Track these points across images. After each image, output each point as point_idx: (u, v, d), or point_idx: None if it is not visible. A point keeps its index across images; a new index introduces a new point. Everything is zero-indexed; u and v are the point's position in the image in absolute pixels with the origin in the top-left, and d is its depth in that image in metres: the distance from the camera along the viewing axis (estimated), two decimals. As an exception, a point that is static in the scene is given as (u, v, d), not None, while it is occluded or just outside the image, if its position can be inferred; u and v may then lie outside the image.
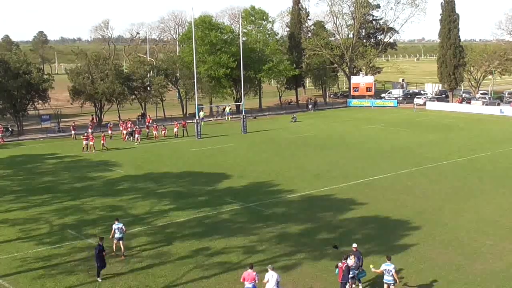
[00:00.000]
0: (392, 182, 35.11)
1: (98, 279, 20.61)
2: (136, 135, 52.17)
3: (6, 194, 33.16)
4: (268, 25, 77.77)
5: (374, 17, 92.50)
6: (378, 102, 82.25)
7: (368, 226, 26.67)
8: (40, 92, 59.23)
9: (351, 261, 19.15)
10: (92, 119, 61.54)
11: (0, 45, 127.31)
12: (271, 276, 18.31)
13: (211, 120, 67.52)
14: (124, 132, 54.02)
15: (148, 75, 67.62)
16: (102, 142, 48.45)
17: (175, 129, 55.02)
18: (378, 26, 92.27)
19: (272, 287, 18.24)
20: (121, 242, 22.91)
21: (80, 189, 34.18)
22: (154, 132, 53.96)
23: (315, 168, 39.53)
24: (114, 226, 23.09)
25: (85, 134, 49.29)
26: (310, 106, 77.39)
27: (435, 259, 22.17)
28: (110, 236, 23.28)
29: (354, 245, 20.39)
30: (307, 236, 25.32)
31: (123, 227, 23.12)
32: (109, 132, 54.59)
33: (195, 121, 55.37)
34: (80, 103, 64.33)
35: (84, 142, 47.61)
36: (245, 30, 75.44)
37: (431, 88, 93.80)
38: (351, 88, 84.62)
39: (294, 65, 77.92)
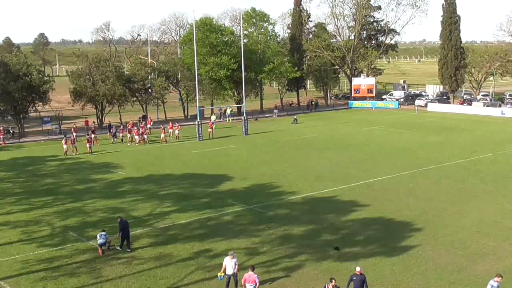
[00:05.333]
0: (394, 184, 35.07)
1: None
2: (136, 136, 52.20)
3: (8, 196, 33.19)
4: (269, 27, 77.75)
5: (375, 19, 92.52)
6: (380, 103, 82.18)
7: (371, 228, 26.62)
8: (40, 94, 59.23)
9: None
10: (87, 122, 61.55)
11: (1, 47, 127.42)
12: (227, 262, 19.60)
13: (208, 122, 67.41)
14: (129, 135, 53.80)
15: (149, 77, 67.64)
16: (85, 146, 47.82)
17: (177, 131, 54.99)
18: (379, 27, 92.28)
19: (232, 270, 19.49)
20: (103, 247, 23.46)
21: (81, 191, 34.18)
22: (176, 132, 54.41)
23: (317, 170, 39.49)
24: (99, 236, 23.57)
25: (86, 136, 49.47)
26: (275, 111, 74.49)
27: (438, 260, 22.12)
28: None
29: (358, 268, 18.65)
30: (309, 237, 25.27)
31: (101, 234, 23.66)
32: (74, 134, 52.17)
33: (196, 123, 55.37)
34: (81, 105, 64.32)
35: (72, 146, 47.41)
36: (246, 32, 75.44)
37: (432, 89, 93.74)
38: (352, 90, 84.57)
39: (295, 67, 77.89)
